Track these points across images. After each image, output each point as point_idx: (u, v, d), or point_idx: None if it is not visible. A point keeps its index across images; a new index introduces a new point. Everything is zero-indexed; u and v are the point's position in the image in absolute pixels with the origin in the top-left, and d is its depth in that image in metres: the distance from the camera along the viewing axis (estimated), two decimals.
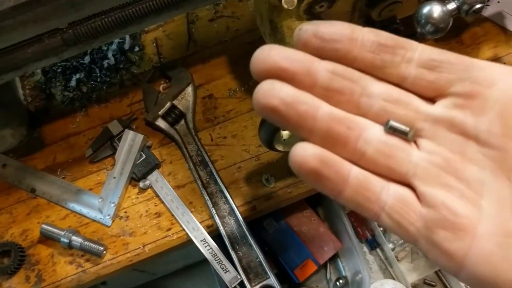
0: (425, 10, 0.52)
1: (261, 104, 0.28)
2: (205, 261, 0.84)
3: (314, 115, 0.28)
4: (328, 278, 1.13)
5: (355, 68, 0.30)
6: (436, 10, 0.52)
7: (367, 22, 0.74)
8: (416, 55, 0.30)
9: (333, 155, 0.28)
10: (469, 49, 0.93)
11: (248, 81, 0.93)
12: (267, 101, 0.27)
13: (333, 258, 1.13)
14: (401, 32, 0.73)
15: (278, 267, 1.06)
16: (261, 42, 0.94)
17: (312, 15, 0.66)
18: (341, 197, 0.29)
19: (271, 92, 0.28)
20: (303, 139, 0.29)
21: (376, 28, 0.69)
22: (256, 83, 0.29)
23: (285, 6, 0.57)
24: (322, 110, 0.29)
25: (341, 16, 0.71)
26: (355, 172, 0.29)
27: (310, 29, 0.29)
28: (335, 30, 0.29)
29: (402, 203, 0.29)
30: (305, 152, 0.28)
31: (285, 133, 0.69)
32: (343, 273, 1.13)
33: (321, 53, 0.29)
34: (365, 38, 0.30)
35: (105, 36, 0.73)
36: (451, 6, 0.53)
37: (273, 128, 0.61)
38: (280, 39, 0.68)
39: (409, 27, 0.77)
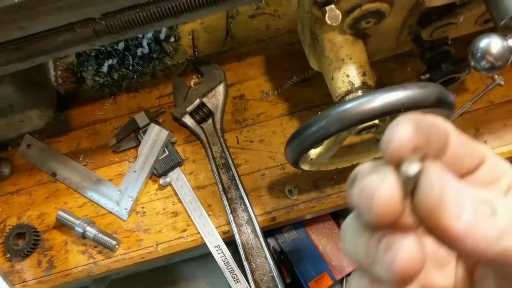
0: (483, 43, 0.47)
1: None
2: None
3: None
4: None
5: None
6: (495, 45, 0.46)
7: (416, 40, 0.69)
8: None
9: None
10: None
11: (282, 85, 0.89)
12: None
13: (350, 274, 1.09)
14: (451, 55, 0.67)
15: (292, 276, 1.03)
16: (301, 44, 0.90)
17: (357, 30, 0.61)
18: None
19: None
20: None
21: (425, 48, 0.62)
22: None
23: (329, 22, 0.53)
24: None
25: (389, 32, 0.66)
26: None
27: None
28: None
29: None
30: None
31: (312, 153, 0.65)
32: None
33: None
34: None
35: (139, 28, 0.70)
36: None
37: (302, 148, 0.57)
38: (320, 52, 0.64)
39: (460, 48, 0.72)
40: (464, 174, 0.28)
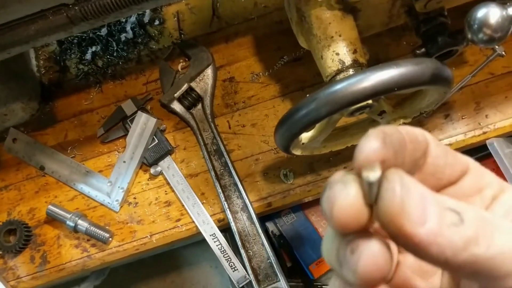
0: (480, 13, 0.43)
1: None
2: None
3: None
4: None
5: None
6: (493, 14, 0.43)
7: (409, 12, 0.65)
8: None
9: None
10: None
11: (273, 65, 0.85)
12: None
13: None
14: (448, 27, 0.63)
15: (293, 260, 1.01)
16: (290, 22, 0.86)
17: (345, 5, 0.57)
18: None
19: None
20: None
21: (420, 21, 0.57)
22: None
23: None
24: None
25: (381, 5, 0.62)
26: None
27: None
28: None
29: None
30: None
31: (304, 137, 0.62)
32: None
33: None
34: None
35: (117, 13, 0.66)
36: None
37: (291, 133, 0.55)
38: (308, 30, 0.60)
39: (458, 19, 0.68)
40: (445, 184, 0.28)
